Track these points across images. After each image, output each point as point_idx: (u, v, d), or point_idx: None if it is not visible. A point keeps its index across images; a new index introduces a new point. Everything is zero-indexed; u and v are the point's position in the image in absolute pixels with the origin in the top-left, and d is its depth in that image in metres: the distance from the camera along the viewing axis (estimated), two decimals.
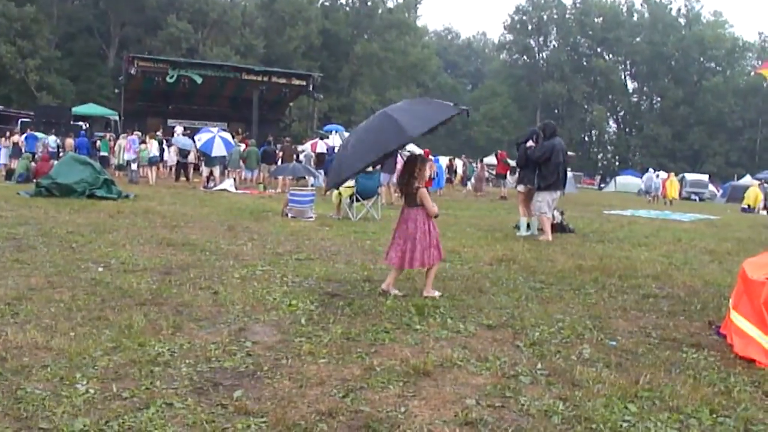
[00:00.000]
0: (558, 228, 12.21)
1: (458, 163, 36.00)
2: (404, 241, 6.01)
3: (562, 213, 12.80)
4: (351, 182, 14.48)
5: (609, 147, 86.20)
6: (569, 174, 45.33)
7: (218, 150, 21.72)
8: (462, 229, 12.34)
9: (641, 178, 43.58)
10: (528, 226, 12.07)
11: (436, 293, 6.14)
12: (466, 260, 8.31)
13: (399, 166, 20.26)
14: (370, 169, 15.07)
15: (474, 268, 7.75)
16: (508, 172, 28.21)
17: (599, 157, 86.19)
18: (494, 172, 34.05)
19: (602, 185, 63.08)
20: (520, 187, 12.02)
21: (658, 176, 34.97)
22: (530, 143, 11.54)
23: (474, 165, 32.92)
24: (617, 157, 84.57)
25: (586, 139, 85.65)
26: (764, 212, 27.30)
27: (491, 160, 36.39)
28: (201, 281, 6.32)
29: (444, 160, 32.85)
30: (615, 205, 26.33)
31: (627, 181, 55.22)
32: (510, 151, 42.68)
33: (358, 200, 13.97)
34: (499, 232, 12.04)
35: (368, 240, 10.17)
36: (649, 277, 7.68)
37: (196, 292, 5.84)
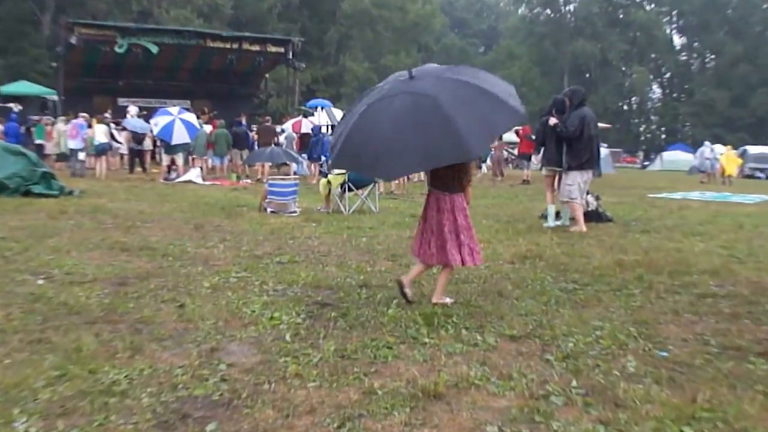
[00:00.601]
0: (593, 216, 12.25)
1: None
2: (456, 236, 6.06)
3: (597, 198, 12.84)
4: (341, 170, 14.52)
5: (653, 117, 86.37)
6: (604, 151, 45.43)
7: (179, 137, 21.62)
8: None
9: (693, 153, 43.71)
10: (557, 215, 12.10)
11: (448, 300, 6.19)
12: (482, 258, 8.31)
13: None
14: None
15: (492, 268, 7.78)
16: (533, 152, 28.23)
17: (641, 129, 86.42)
18: (515, 152, 34.07)
19: (646, 163, 63.29)
20: (546, 170, 12.04)
21: (713, 151, 34.98)
22: (552, 120, 11.50)
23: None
24: (663, 129, 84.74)
25: (625, 108, 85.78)
26: None
27: (511, 136, 36.36)
28: (163, 293, 6.33)
29: None
30: (662, 187, 26.38)
31: (676, 158, 55.37)
32: (534, 125, 42.72)
33: (350, 190, 14.01)
34: (521, 224, 12.06)
35: (364, 237, 10.19)
36: (705, 273, 7.71)
37: (157, 306, 5.85)
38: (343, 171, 13.94)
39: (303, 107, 36.86)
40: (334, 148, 5.73)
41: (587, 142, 11.28)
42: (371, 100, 5.69)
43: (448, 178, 6.09)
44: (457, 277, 7.14)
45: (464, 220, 6.11)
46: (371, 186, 14.51)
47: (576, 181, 11.34)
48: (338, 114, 38.41)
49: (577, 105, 11.45)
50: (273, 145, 22.53)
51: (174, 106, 25.60)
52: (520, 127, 30.06)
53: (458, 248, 6.06)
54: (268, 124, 27.43)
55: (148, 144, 25.34)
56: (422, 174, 27.21)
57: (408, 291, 6.13)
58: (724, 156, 33.23)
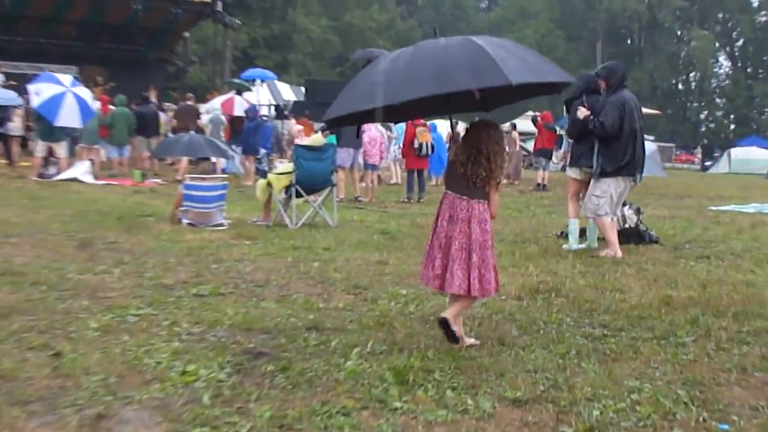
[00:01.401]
0: (632, 236, 12.37)
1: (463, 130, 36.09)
2: (468, 254, 6.25)
3: (638, 211, 12.96)
4: (287, 166, 14.55)
5: (718, 100, 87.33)
6: (650, 146, 45.97)
7: (68, 118, 21.01)
8: None
9: None
10: (582, 233, 12.17)
11: (472, 340, 6.48)
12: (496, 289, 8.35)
13: (367, 139, 20.82)
14: (320, 139, 15.28)
15: (492, 305, 7.82)
16: (554, 146, 28.44)
17: (702, 117, 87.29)
18: (530, 147, 34.18)
19: (707, 163, 63.87)
20: (573, 171, 12.12)
21: None
22: (582, 111, 11.49)
23: None
24: (732, 117, 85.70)
25: (681, 87, 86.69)
26: None
27: (526, 125, 36.50)
28: (32, 335, 6.28)
29: (444, 127, 33.00)
30: (728, 197, 26.64)
31: (749, 156, 55.91)
32: (556, 111, 43.05)
33: (299, 195, 14.01)
34: (533, 245, 12.13)
35: (316, 261, 10.21)
36: None
37: (22, 355, 5.80)
38: (290, 170, 13.96)
39: (237, 80, 36.82)
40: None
41: (628, 138, 11.30)
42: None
43: (469, 176, 6.28)
44: (431, 310, 7.17)
45: (482, 235, 6.28)
46: (328, 190, 14.53)
47: (608, 192, 11.43)
48: (285, 90, 38.50)
49: (616, 88, 11.43)
50: (193, 132, 22.46)
51: (64, 74, 24.68)
52: (538, 114, 30.24)
53: (466, 271, 6.23)
54: (190, 103, 27.36)
55: (16, 125, 24.94)
56: (399, 175, 27.33)
57: (456, 330, 6.33)
58: None
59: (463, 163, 6.32)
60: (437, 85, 5.79)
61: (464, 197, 6.29)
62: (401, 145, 24.06)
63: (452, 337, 6.28)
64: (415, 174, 21.26)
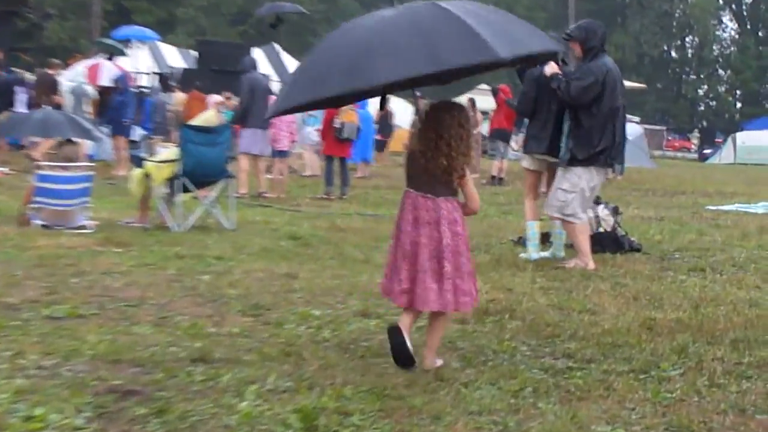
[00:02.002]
0: (607, 243, 12.54)
1: (400, 109, 36.04)
2: (438, 263, 6.48)
3: (616, 211, 13.08)
4: (170, 152, 14.49)
5: (721, 71, 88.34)
6: (633, 128, 46.03)
7: None
8: None
9: None
10: (545, 239, 12.26)
11: (439, 362, 6.71)
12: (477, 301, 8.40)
13: (278, 122, 20.73)
14: (214, 117, 15.22)
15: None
16: (514, 129, 28.42)
17: (700, 92, 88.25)
18: (484, 129, 34.15)
19: (706, 151, 64.61)
20: (525, 160, 12.21)
21: None
22: (549, 68, 11.46)
23: None
24: (739, 93, 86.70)
25: (674, 55, 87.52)
26: None
27: (487, 102, 36.28)
28: None
29: (374, 105, 32.96)
30: (731, 194, 27.00)
31: (760, 142, 56.59)
32: (516, 83, 43.17)
33: (186, 190, 13.96)
34: (484, 254, 12.21)
35: (206, 274, 10.24)
36: None
37: None
38: (174, 157, 13.88)
39: (108, 40, 36.51)
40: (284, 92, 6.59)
41: (606, 118, 11.40)
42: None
43: (431, 170, 6.44)
44: (360, 343, 7.21)
45: (453, 239, 6.49)
46: (224, 184, 14.48)
47: (578, 186, 11.51)
48: (171, 54, 38.27)
49: (595, 53, 11.49)
50: (48, 107, 22.23)
51: None
52: (498, 87, 29.91)
53: (438, 283, 6.43)
54: (51, 71, 27.12)
55: None
56: (315, 164, 27.31)
57: (407, 342, 6.61)
58: None
59: (423, 152, 6.47)
60: (433, 62, 6.00)
61: (428, 195, 6.46)
62: (319, 127, 24.04)
63: (405, 356, 6.58)
64: (336, 163, 21.24)
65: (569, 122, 11.48)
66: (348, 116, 20.65)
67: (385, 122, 33.11)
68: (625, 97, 11.81)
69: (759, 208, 22.10)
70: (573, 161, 11.46)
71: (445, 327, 6.99)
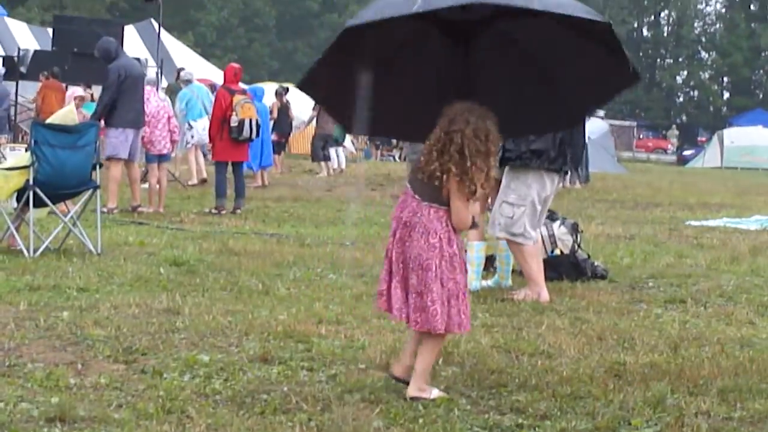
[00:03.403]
0: (565, 268, 12.58)
1: (300, 101, 36.20)
2: (404, 269, 6.92)
3: (575, 229, 13.12)
4: (21, 157, 14.35)
5: (705, 53, 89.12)
6: (596, 125, 46.33)
7: None
8: (315, 276, 12.52)
9: None
10: (488, 263, 12.30)
11: (435, 392, 7.04)
12: (321, 360, 8.46)
13: (154, 119, 20.56)
14: (73, 114, 15.11)
15: (345, 379, 7.86)
16: None
17: (679, 79, 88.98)
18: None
19: (687, 151, 65.22)
20: None
21: None
22: None
23: None
24: (727, 80, 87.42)
25: (646, 33, 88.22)
26: None
27: None
28: None
29: (271, 94, 33.07)
30: (717, 205, 27.27)
31: (752, 141, 57.10)
32: None
33: (41, 204, 13.85)
34: None
35: (66, 309, 10.14)
36: None
37: None
38: (26, 163, 13.78)
39: None
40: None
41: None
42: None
43: (430, 170, 6.82)
44: (266, 397, 7.19)
45: (425, 250, 6.91)
46: (88, 196, 14.38)
47: (528, 198, 11.61)
48: (21, 32, 38.04)
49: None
50: None
51: None
52: None
53: (403, 292, 6.94)
54: None
55: None
56: (203, 170, 27.25)
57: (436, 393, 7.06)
58: None
59: (427, 148, 6.86)
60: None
61: (416, 196, 6.85)
62: (195, 123, 23.97)
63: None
64: (230, 169, 21.07)
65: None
66: (246, 111, 20.29)
67: (282, 118, 33.17)
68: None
69: (752, 223, 22.27)
70: (503, 162, 11.51)
71: (435, 352, 7.29)
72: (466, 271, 7.42)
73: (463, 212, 6.92)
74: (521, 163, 11.42)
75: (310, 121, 36.01)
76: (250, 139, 20.71)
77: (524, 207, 11.50)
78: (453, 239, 6.99)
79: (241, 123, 20.13)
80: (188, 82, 28.09)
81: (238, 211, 20.46)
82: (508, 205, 11.53)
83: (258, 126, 20.83)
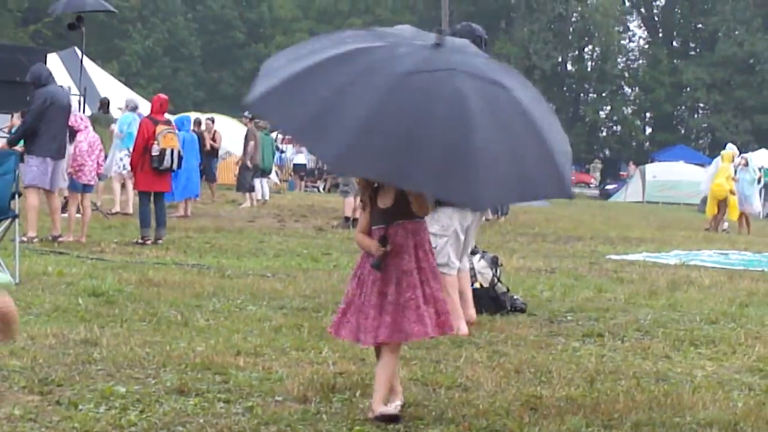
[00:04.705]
0: (484, 301, 12.65)
1: (228, 129, 36.14)
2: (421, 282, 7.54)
3: (495, 262, 13.16)
4: None
5: (628, 88, 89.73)
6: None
7: None
8: (235, 308, 12.49)
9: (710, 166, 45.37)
10: None
11: (397, 403, 7.46)
12: (238, 392, 8.45)
13: (84, 146, 20.40)
14: None
15: (262, 411, 7.86)
16: None
17: (602, 113, 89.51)
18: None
19: (609, 186, 65.62)
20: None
21: (749, 165, 36.38)
22: None
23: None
24: (650, 115, 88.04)
25: (570, 67, 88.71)
26: None
27: None
28: None
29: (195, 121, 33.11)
30: (638, 239, 27.44)
31: (673, 175, 57.60)
32: None
33: None
34: (333, 314, 12.18)
35: None
36: (714, 426, 8.03)
37: None
38: None
39: None
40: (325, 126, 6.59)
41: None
42: (397, 66, 6.82)
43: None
44: (183, 430, 7.18)
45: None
46: (6, 225, 14.31)
47: (450, 228, 11.72)
48: None
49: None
50: None
51: None
52: None
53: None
54: None
55: None
56: (128, 198, 27.16)
57: (390, 409, 7.35)
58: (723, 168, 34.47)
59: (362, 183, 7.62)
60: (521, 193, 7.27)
61: (412, 220, 7.74)
62: (129, 151, 23.80)
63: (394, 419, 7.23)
64: (152, 199, 20.97)
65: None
66: (168, 141, 20.18)
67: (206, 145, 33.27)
68: None
69: (671, 257, 22.45)
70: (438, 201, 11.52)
71: (392, 364, 7.68)
72: None
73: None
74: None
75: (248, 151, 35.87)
76: (171, 170, 20.52)
77: (447, 237, 11.59)
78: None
79: (162, 153, 19.93)
80: (135, 108, 28.29)
81: (160, 241, 20.34)
82: (432, 236, 11.53)
83: (180, 157, 20.68)
